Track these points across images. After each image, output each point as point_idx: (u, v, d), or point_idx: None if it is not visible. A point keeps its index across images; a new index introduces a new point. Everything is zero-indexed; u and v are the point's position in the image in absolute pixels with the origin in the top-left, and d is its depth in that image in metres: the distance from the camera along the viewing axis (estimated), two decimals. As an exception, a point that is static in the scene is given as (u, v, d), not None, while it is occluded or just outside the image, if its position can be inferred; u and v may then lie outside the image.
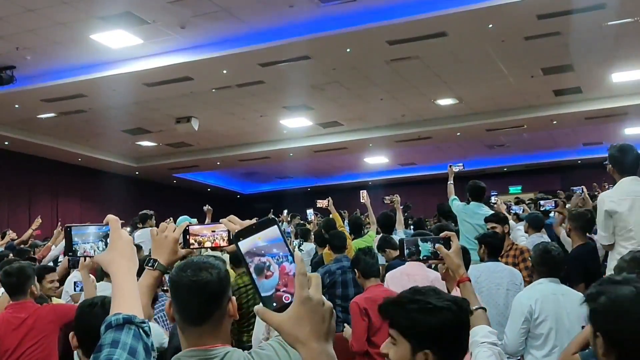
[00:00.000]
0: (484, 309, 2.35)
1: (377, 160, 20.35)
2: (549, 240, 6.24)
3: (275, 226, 1.17)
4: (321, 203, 9.10)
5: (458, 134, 16.35)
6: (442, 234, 2.53)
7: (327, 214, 10.36)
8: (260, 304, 1.15)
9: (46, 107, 12.55)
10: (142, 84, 11.36)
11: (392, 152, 19.32)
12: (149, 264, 2.05)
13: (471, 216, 6.90)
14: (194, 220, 8.78)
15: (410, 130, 15.91)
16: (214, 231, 2.17)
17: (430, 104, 14.11)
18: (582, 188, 8.04)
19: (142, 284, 2.00)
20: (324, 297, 1.15)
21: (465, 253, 4.18)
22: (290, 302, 1.14)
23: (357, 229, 8.06)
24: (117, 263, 1.56)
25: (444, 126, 15.55)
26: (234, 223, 2.10)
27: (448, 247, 2.46)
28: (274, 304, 1.15)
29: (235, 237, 1.17)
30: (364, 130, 16.27)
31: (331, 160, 19.67)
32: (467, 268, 4.12)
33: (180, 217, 9.47)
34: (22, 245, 9.18)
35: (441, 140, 17.24)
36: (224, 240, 2.16)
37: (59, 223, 10.28)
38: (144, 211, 9.34)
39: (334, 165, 20.87)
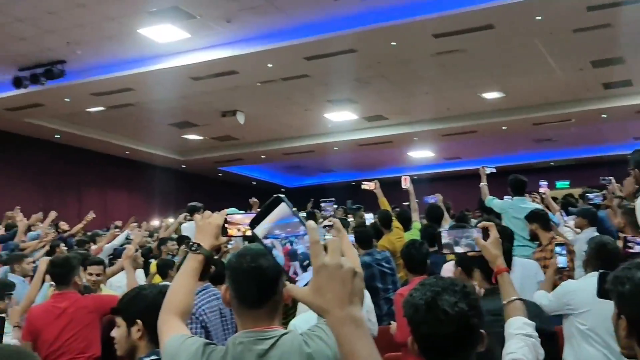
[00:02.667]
0: (521, 299, 2.33)
1: (421, 154, 20.23)
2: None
3: (283, 204, 1.17)
4: (367, 185, 8.93)
5: (504, 127, 16.12)
6: (480, 224, 2.51)
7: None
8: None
9: (95, 100, 12.80)
10: (188, 77, 11.49)
11: (437, 146, 19.18)
12: (193, 248, 2.10)
13: (518, 212, 6.79)
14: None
15: (456, 124, 15.77)
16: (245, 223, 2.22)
17: (476, 98, 13.95)
18: (611, 179, 7.84)
19: (188, 268, 2.07)
20: (344, 260, 1.13)
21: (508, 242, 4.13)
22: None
23: (406, 223, 8.00)
24: None
25: (490, 120, 15.36)
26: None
27: (486, 238, 2.44)
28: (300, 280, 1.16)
29: (250, 225, 1.19)
30: (408, 124, 16.18)
31: (375, 154, 19.60)
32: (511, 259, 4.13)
33: (229, 210, 9.57)
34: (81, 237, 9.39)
35: (487, 134, 17.02)
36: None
37: (133, 218, 10.48)
38: (193, 203, 9.43)
39: (378, 159, 20.79)
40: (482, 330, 1.83)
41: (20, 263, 6.61)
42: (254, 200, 9.51)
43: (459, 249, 2.53)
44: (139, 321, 2.56)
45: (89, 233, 10.10)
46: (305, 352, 1.89)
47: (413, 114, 15.32)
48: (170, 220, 11.18)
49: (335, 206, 9.51)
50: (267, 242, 1.18)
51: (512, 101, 14.29)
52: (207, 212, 2.22)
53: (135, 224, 9.96)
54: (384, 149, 18.61)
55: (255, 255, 1.95)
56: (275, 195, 1.19)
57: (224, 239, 2.18)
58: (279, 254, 1.19)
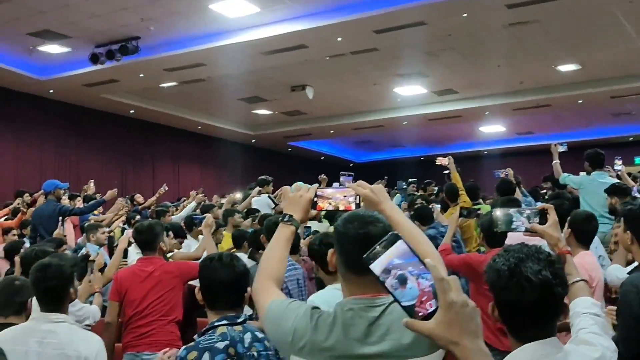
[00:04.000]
0: (585, 281, 2.28)
1: (493, 129, 19.86)
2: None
3: (401, 240, 1.24)
4: (440, 160, 8.87)
5: (580, 101, 15.61)
6: (538, 206, 2.47)
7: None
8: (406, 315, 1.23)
9: (168, 76, 13.07)
10: (258, 52, 11.58)
11: (508, 121, 18.77)
12: (285, 219, 2.14)
13: (597, 186, 6.61)
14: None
15: (529, 98, 15.37)
16: (345, 196, 2.24)
17: (550, 70, 13.54)
18: None
19: (281, 237, 2.12)
20: (466, 297, 1.23)
21: (591, 220, 4.03)
22: (435, 310, 1.22)
23: (474, 196, 7.92)
24: None
25: (565, 93, 14.89)
26: (363, 188, 2.17)
27: (544, 219, 2.40)
28: (420, 313, 1.24)
29: (365, 261, 1.24)
30: (479, 97, 15.88)
31: (445, 128, 19.37)
32: (592, 237, 4.03)
33: (295, 184, 9.66)
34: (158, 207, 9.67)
35: (561, 108, 16.53)
36: (352, 204, 2.22)
37: (201, 189, 10.73)
38: (263, 176, 9.56)
39: (448, 134, 20.54)
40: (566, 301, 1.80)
41: (96, 233, 6.91)
42: (322, 177, 9.56)
43: (514, 228, 2.48)
44: None
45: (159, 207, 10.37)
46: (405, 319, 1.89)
47: (484, 87, 15.02)
48: (238, 195, 11.36)
49: (325, 177, 9.49)
50: (387, 277, 1.23)
51: (589, 73, 13.80)
52: (298, 185, 2.24)
53: (202, 195, 10.20)
54: (454, 123, 18.35)
55: (363, 222, 1.93)
56: (394, 233, 1.27)
57: (314, 212, 2.20)
58: (414, 286, 1.24)
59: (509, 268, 1.77)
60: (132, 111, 16.00)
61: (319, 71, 13.29)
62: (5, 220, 9.06)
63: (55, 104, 14.57)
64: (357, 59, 12.47)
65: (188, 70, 12.60)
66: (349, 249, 1.92)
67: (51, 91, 13.88)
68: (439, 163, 9.00)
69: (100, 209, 9.31)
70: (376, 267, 1.24)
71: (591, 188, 6.72)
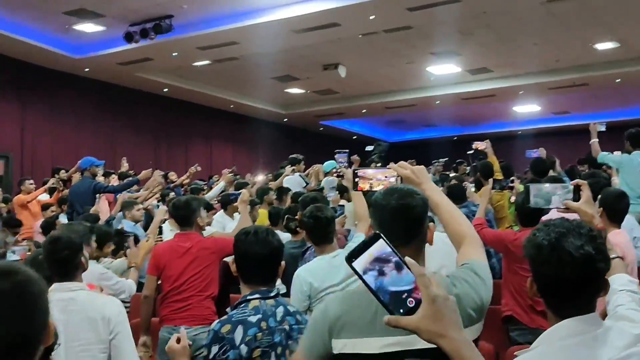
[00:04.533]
0: (621, 258, 2.25)
1: (527, 108, 19.58)
2: None
3: (382, 240, 1.27)
4: (478, 145, 8.83)
5: (618, 80, 15.29)
6: (572, 182, 2.45)
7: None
8: (387, 314, 1.26)
9: (201, 54, 13.12)
10: (290, 30, 11.55)
11: (544, 100, 18.48)
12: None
13: (637, 165, 6.51)
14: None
15: (565, 77, 15.11)
16: (386, 176, 2.29)
17: (588, 48, 13.28)
18: None
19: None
20: (445, 291, 1.27)
21: (622, 198, 3.99)
22: (415, 306, 1.24)
23: (509, 175, 7.88)
24: None
25: (603, 72, 14.60)
26: (404, 168, 2.21)
27: (578, 196, 2.38)
28: (401, 310, 1.25)
29: (347, 260, 1.27)
30: (514, 76, 15.66)
31: (479, 108, 19.16)
32: (624, 215, 3.98)
33: (327, 163, 9.69)
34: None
35: (598, 87, 16.21)
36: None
37: (234, 167, 10.80)
38: (295, 155, 9.59)
39: (481, 114, 20.33)
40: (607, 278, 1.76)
41: (131, 210, 7.05)
42: (355, 157, 9.55)
43: (548, 205, 2.48)
44: None
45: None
46: (453, 293, 1.90)
47: (519, 66, 14.80)
48: (259, 177, 11.42)
49: (357, 157, 9.49)
50: (367, 276, 1.26)
51: (628, 52, 13.51)
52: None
53: (231, 174, 10.26)
54: (487, 103, 18.14)
55: (402, 194, 1.99)
56: (376, 232, 1.30)
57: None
58: (379, 280, 1.26)
59: (550, 243, 1.74)
60: (165, 90, 16.12)
61: (351, 50, 13.23)
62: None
63: (91, 82, 14.74)
64: (390, 37, 12.38)
65: (221, 49, 12.64)
66: (388, 220, 1.96)
67: (86, 70, 14.04)
68: (476, 147, 8.95)
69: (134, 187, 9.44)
70: (357, 265, 1.27)
71: (630, 167, 6.62)
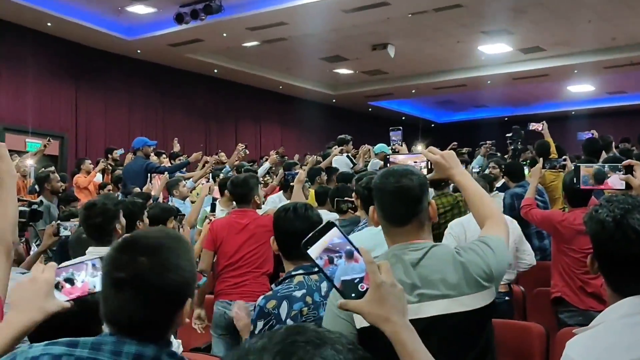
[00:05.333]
0: None
1: (581, 88, 19.08)
2: None
3: (335, 228, 1.35)
4: (535, 126, 8.71)
5: (677, 58, 14.81)
6: (624, 162, 2.40)
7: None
8: (340, 298, 1.35)
9: (250, 35, 13.18)
10: (339, 10, 11.50)
11: (599, 80, 17.98)
12: None
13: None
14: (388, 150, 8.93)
15: (622, 55, 14.66)
16: (415, 162, 2.31)
17: (646, 26, 12.89)
18: None
19: None
20: (394, 279, 1.37)
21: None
22: (365, 291, 1.33)
23: (561, 155, 7.77)
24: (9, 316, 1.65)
25: (662, 50, 14.16)
26: (434, 154, 2.24)
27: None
28: (352, 295, 1.33)
29: (303, 247, 1.34)
30: (568, 55, 15.27)
31: (531, 88, 18.77)
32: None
33: (378, 145, 9.66)
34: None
35: (657, 66, 15.74)
36: (424, 170, 2.27)
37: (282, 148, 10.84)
38: (342, 135, 9.58)
39: (533, 94, 19.91)
40: None
41: (178, 187, 7.19)
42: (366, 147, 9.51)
43: (599, 184, 2.45)
44: None
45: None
46: (458, 260, 1.97)
47: (573, 44, 14.42)
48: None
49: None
50: (320, 262, 1.34)
51: (688, 29, 13.06)
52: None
53: (276, 156, 10.32)
54: (540, 82, 17.75)
55: (399, 176, 2.04)
56: (330, 222, 1.37)
57: None
58: (346, 265, 1.34)
59: (614, 219, 1.69)
60: (215, 71, 16.27)
61: (400, 29, 13.10)
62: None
63: (143, 63, 14.99)
64: (440, 16, 12.21)
65: (270, 30, 12.67)
66: (388, 202, 2.04)
67: (138, 51, 14.27)
68: (532, 128, 8.83)
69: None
70: (312, 252, 1.34)
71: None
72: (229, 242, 4.60)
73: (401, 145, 8.02)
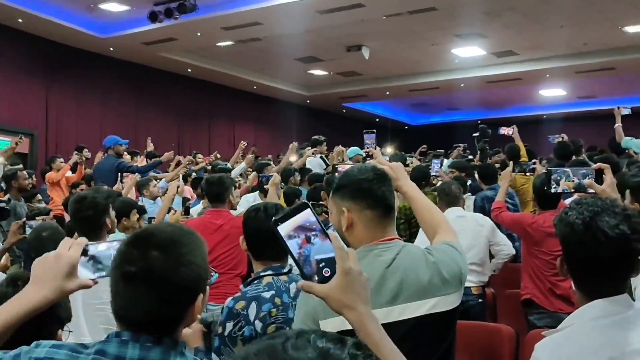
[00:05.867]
0: None
1: (553, 92, 19.31)
2: None
3: (309, 209, 1.33)
4: (505, 130, 8.80)
5: (647, 64, 15.04)
6: (594, 166, 2.43)
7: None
8: (302, 279, 1.33)
9: (225, 35, 13.12)
10: (314, 11, 11.50)
11: (570, 84, 18.22)
12: None
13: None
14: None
15: (592, 61, 14.86)
16: None
17: (617, 31, 13.05)
18: None
19: None
20: (360, 268, 1.34)
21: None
22: (330, 276, 1.30)
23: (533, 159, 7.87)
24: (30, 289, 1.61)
25: (632, 56, 14.31)
26: (382, 164, 2.31)
27: (601, 180, 2.37)
28: (316, 277, 1.31)
29: (273, 223, 1.33)
30: (540, 60, 15.44)
31: (504, 91, 18.95)
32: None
33: (351, 148, 9.67)
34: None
35: (627, 72, 15.92)
36: None
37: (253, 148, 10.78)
38: (316, 136, 9.57)
39: (506, 97, 20.10)
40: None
41: (148, 187, 7.13)
42: (294, 144, 9.47)
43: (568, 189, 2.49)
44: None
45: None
46: (430, 261, 1.97)
47: (546, 49, 14.59)
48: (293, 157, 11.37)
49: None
50: (290, 241, 1.33)
51: (658, 35, 13.26)
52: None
53: (251, 155, 10.26)
54: (513, 86, 17.94)
55: (374, 167, 2.10)
56: (303, 202, 1.36)
57: None
58: (298, 245, 1.33)
59: (584, 222, 1.69)
60: (189, 70, 16.17)
61: (375, 31, 13.13)
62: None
63: (116, 62, 14.84)
64: (414, 19, 12.26)
65: (245, 29, 12.62)
66: (371, 189, 2.03)
67: (112, 49, 14.13)
68: (503, 132, 8.91)
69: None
70: (282, 230, 1.33)
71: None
72: None
73: (375, 148, 8.00)
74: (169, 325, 1.45)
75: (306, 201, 1.36)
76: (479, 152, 10.53)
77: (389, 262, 1.94)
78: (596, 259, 1.68)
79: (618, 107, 7.54)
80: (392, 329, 1.81)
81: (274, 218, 1.34)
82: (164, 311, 1.43)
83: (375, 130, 8.92)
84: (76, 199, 3.24)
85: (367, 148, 8.62)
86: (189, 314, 1.47)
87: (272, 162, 9.64)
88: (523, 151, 7.90)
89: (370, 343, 1.29)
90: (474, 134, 10.72)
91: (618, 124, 7.34)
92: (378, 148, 7.82)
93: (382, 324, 1.85)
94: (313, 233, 1.33)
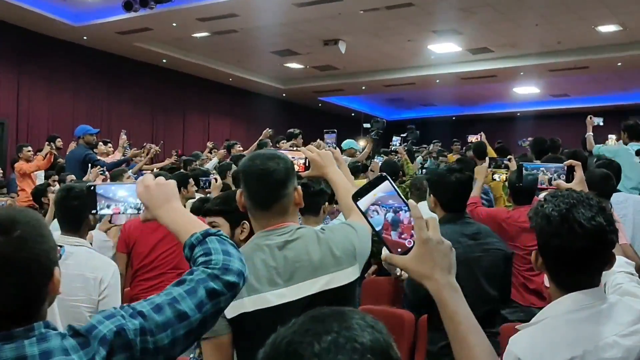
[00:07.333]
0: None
1: (527, 90, 19.50)
2: None
3: (387, 182, 1.32)
4: (474, 138, 8.97)
5: (619, 64, 15.21)
6: (566, 162, 2.44)
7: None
8: (385, 250, 1.32)
9: (201, 26, 13.01)
10: (291, 4, 11.44)
11: (544, 82, 18.40)
12: None
13: (633, 156, 6.50)
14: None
15: (566, 59, 15.02)
16: (293, 157, 2.35)
17: (590, 31, 13.19)
18: None
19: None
20: (441, 236, 1.32)
21: (608, 180, 4.05)
22: (412, 247, 1.30)
23: (505, 156, 7.91)
24: (164, 211, 1.75)
25: (604, 55, 14.51)
26: (311, 152, 2.40)
27: (572, 176, 2.39)
28: (399, 249, 1.31)
29: (353, 198, 1.32)
30: (515, 57, 15.56)
31: (479, 88, 19.08)
32: (609, 197, 4.00)
33: (346, 141, 9.75)
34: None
35: (599, 71, 16.14)
36: (301, 166, 2.42)
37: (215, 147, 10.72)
38: (291, 129, 9.56)
39: (481, 94, 20.25)
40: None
41: (121, 180, 7.03)
42: (268, 130, 9.56)
43: (541, 184, 2.52)
44: (245, 222, 2.61)
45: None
46: (322, 238, 2.09)
47: (520, 46, 14.71)
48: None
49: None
50: (371, 214, 1.32)
51: (631, 35, 13.41)
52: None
53: (223, 150, 10.21)
54: (487, 83, 18.07)
55: (265, 159, 2.08)
56: (382, 174, 1.34)
57: None
58: (380, 218, 1.32)
59: (560, 214, 1.69)
60: (164, 60, 16.01)
61: (352, 25, 13.12)
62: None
63: (89, 51, 14.63)
64: (391, 14, 12.26)
65: (221, 21, 12.52)
66: (253, 185, 2.09)
67: (85, 38, 13.93)
68: (471, 140, 9.11)
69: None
70: (362, 204, 1.32)
71: (626, 158, 6.58)
72: (143, 243, 4.39)
73: (335, 148, 8.01)
74: (29, 307, 1.34)
75: (385, 174, 1.34)
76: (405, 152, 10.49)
77: (281, 244, 2.03)
78: (572, 251, 1.68)
79: (590, 117, 7.63)
80: (289, 308, 1.94)
81: (353, 193, 1.34)
82: (22, 293, 1.32)
83: (335, 131, 9.14)
84: (64, 187, 3.26)
85: (328, 148, 8.66)
86: (48, 291, 1.37)
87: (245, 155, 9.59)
88: (489, 149, 7.98)
89: (444, 314, 1.31)
90: (402, 135, 10.96)
91: (589, 133, 7.43)
92: (337, 148, 7.84)
93: (279, 305, 1.96)
94: (391, 204, 1.32)
